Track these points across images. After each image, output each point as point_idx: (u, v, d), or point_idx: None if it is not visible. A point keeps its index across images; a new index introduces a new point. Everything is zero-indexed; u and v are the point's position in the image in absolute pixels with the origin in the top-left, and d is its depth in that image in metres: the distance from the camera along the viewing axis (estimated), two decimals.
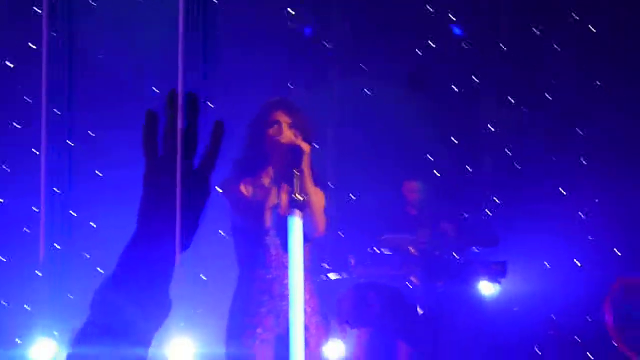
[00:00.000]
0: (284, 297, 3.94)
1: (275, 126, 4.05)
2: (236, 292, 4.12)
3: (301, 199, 3.68)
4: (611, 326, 2.44)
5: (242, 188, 4.06)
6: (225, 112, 7.90)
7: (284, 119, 4.07)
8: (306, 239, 3.95)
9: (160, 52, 7.82)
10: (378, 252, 7.38)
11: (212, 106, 7.75)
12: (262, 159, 4.09)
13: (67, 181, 7.77)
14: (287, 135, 3.99)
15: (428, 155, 8.51)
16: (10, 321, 7.38)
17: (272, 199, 4.01)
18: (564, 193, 8.39)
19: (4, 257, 7.64)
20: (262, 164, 4.10)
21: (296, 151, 3.80)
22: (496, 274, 7.34)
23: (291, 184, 3.70)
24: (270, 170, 4.09)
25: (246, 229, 4.08)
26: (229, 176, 4.14)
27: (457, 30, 8.56)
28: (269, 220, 3.99)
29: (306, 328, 3.83)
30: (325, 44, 8.59)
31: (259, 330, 3.99)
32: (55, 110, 7.79)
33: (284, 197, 3.97)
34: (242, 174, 4.10)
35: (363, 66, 8.65)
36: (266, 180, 4.07)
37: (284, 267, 3.91)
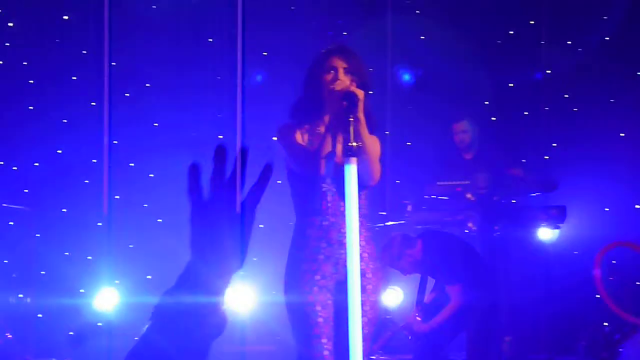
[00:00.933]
0: (341, 244, 3.93)
1: (331, 72, 4.00)
2: (293, 239, 4.10)
3: (356, 146, 3.67)
4: (599, 279, 2.43)
5: (298, 135, 4.03)
6: (283, 59, 7.92)
7: (340, 64, 4.02)
8: (362, 186, 3.95)
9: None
10: (434, 198, 7.36)
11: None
12: (318, 105, 4.05)
13: (125, 132, 7.84)
14: (343, 80, 3.95)
15: (486, 102, 8.44)
16: (73, 271, 7.50)
17: (327, 147, 3.99)
18: (623, 135, 8.29)
19: (65, 209, 7.74)
20: (318, 111, 4.07)
21: (351, 97, 3.77)
22: (555, 219, 7.28)
23: (347, 132, 3.68)
24: (326, 118, 4.05)
25: (302, 177, 4.06)
26: (284, 123, 4.13)
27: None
28: (324, 167, 3.96)
29: (363, 274, 3.82)
30: None
31: (317, 277, 3.98)
32: (113, 63, 7.85)
33: (339, 145, 3.96)
34: (298, 121, 4.08)
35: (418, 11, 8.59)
36: (322, 128, 4.05)
37: (341, 214, 3.91)
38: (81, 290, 7.52)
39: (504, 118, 8.09)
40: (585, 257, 7.89)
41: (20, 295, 7.42)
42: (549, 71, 8.52)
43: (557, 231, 7.45)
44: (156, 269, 7.67)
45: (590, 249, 7.87)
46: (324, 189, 3.98)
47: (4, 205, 6.99)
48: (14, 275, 7.50)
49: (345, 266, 3.80)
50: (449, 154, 7.87)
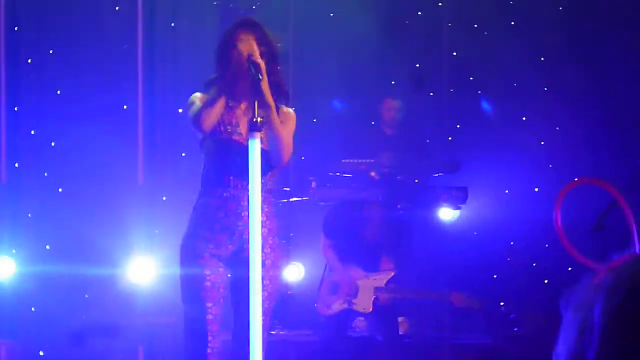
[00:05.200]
0: (239, 216, 4.02)
1: (239, 45, 4.00)
2: (194, 208, 4.17)
3: (260, 121, 3.74)
4: (559, 226, 2.48)
5: (206, 108, 4.04)
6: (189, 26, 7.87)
7: (248, 38, 4.03)
8: (270, 167, 3.99)
9: None
10: (338, 175, 7.39)
11: None
12: (226, 79, 4.06)
13: (27, 99, 7.69)
14: (249, 43, 3.97)
15: (392, 81, 8.49)
16: None
17: (235, 120, 4.04)
18: (525, 119, 8.43)
19: None
20: (229, 86, 4.07)
21: (255, 66, 3.85)
22: (457, 200, 7.38)
23: (252, 106, 3.79)
24: (237, 91, 4.09)
25: (210, 150, 4.10)
26: (192, 96, 4.15)
27: None
28: (232, 143, 4.00)
29: (262, 249, 3.85)
30: None
31: (210, 245, 4.05)
32: (15, 28, 7.68)
33: (245, 118, 4.00)
34: (207, 94, 4.09)
35: None
36: (232, 101, 4.08)
37: (242, 187, 3.97)
38: None
39: (409, 97, 8.13)
40: (485, 238, 8.04)
41: None
42: (454, 53, 8.61)
43: (457, 212, 7.56)
44: (55, 239, 7.55)
45: (490, 230, 8.02)
46: (229, 162, 4.03)
47: None
48: None
49: (240, 238, 3.99)
50: (364, 129, 7.93)
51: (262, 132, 3.76)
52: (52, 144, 7.78)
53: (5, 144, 7.55)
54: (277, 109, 4.10)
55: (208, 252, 4.05)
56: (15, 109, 7.62)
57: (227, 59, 4.04)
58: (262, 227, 3.89)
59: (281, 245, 4.28)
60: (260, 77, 3.86)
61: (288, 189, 7.50)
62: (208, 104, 4.00)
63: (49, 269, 7.27)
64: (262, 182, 3.86)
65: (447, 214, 7.56)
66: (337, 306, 6.80)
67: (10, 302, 7.21)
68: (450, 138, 8.49)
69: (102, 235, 7.01)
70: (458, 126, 8.52)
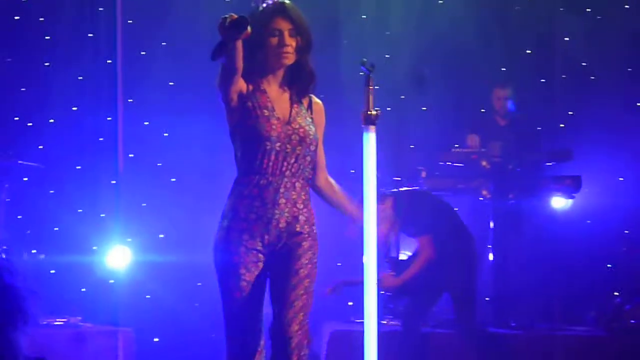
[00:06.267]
0: (276, 204, 3.83)
1: (276, 35, 3.85)
2: (229, 197, 3.93)
3: (375, 114, 3.74)
4: None
5: (242, 89, 3.87)
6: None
7: (285, 26, 3.87)
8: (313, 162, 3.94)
9: None
10: (449, 164, 7.35)
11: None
12: (264, 66, 3.90)
13: (140, 91, 7.83)
14: (290, 45, 3.87)
15: (502, 68, 8.39)
16: (86, 229, 7.53)
17: (271, 103, 3.90)
18: (639, 104, 8.25)
19: (79, 166, 7.76)
20: (264, 71, 3.92)
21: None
22: (570, 189, 7.27)
23: (367, 101, 3.79)
24: (272, 78, 3.93)
25: (245, 135, 3.90)
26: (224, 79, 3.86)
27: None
28: (270, 128, 3.84)
29: (299, 233, 3.84)
30: None
31: (245, 237, 3.82)
32: (129, 21, 7.83)
33: (287, 105, 3.93)
34: (245, 79, 3.87)
35: None
36: (268, 87, 3.92)
37: (280, 174, 3.84)
38: (94, 248, 7.56)
39: (520, 86, 8.03)
40: (599, 226, 7.89)
41: (34, 251, 7.46)
42: (567, 38, 8.46)
43: (570, 201, 7.44)
44: (168, 228, 7.70)
45: (604, 219, 7.88)
46: (267, 147, 3.85)
47: (19, 162, 6.98)
48: (28, 232, 7.53)
49: (277, 228, 3.81)
50: (479, 118, 7.88)
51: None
52: (165, 134, 7.92)
53: (122, 135, 7.70)
54: (310, 101, 4.02)
55: (243, 245, 3.83)
56: (130, 100, 7.77)
57: (262, 47, 3.85)
58: (299, 214, 3.84)
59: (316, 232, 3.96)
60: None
61: (399, 178, 7.48)
62: (230, 70, 3.73)
63: (163, 258, 7.42)
64: (302, 169, 3.87)
65: (559, 202, 7.45)
66: None
67: (126, 290, 7.37)
68: (562, 125, 8.35)
69: (214, 224, 7.10)
70: (570, 113, 8.37)
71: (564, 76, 8.43)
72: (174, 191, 7.78)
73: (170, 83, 7.94)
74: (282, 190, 3.84)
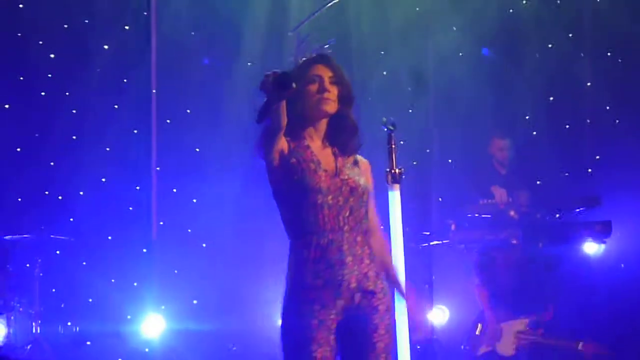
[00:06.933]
0: (343, 264, 3.54)
1: (316, 81, 3.71)
2: (289, 265, 3.61)
3: (398, 172, 3.79)
4: None
5: (284, 148, 3.65)
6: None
7: (325, 73, 3.74)
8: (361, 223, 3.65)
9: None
10: (477, 216, 7.35)
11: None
12: (305, 118, 3.73)
13: (167, 158, 7.90)
14: (331, 91, 3.69)
15: (526, 116, 8.40)
16: (120, 298, 7.56)
17: (316, 157, 3.67)
18: None
19: (110, 236, 7.81)
20: (304, 123, 3.74)
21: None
22: (601, 234, 7.23)
23: (390, 159, 3.88)
24: (314, 132, 3.74)
25: (291, 192, 3.63)
26: (261, 135, 3.65)
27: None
28: (319, 180, 3.59)
29: (373, 294, 3.59)
30: None
31: (316, 307, 3.51)
32: (153, 90, 7.92)
33: (332, 158, 3.71)
34: (286, 135, 3.66)
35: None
36: (311, 142, 3.72)
37: (339, 229, 3.57)
38: (128, 317, 7.58)
39: (544, 133, 8.04)
40: (633, 269, 7.82)
41: (69, 324, 7.50)
42: (589, 83, 8.48)
43: (603, 246, 7.39)
44: (202, 294, 7.71)
45: (637, 261, 7.81)
46: (319, 201, 3.59)
47: (52, 236, 7.07)
48: (62, 305, 7.58)
49: (349, 289, 3.52)
50: (485, 170, 7.89)
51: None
52: (194, 200, 7.97)
53: (155, 203, 7.75)
54: (356, 159, 3.80)
55: (315, 317, 3.52)
56: (157, 168, 7.84)
57: (302, 92, 3.67)
58: (368, 270, 3.60)
59: (389, 288, 3.69)
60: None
61: (428, 232, 7.47)
62: (273, 130, 3.53)
63: (197, 325, 7.42)
64: (358, 222, 3.62)
65: (592, 248, 7.41)
66: (483, 349, 6.74)
67: (161, 358, 7.37)
68: (589, 170, 8.33)
69: (247, 289, 7.12)
70: (597, 157, 8.36)
71: (588, 121, 8.43)
72: (205, 257, 7.81)
73: (197, 149, 8.01)
74: (345, 247, 3.56)
